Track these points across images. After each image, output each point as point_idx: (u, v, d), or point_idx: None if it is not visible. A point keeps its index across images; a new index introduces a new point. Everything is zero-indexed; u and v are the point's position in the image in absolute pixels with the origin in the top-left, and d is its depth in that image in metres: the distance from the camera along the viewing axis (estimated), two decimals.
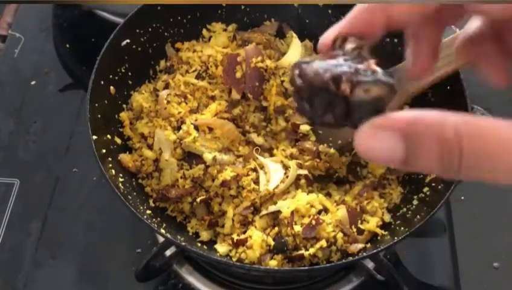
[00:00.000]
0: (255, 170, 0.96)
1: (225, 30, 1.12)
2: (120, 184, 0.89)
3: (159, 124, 0.99)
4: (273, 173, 0.95)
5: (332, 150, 0.99)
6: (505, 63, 0.58)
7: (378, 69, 0.46)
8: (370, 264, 0.95)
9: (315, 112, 0.48)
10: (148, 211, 0.91)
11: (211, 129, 0.99)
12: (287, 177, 0.95)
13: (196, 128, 0.98)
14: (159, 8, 1.04)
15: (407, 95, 0.94)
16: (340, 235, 0.89)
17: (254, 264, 0.86)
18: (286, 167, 0.97)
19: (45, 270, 1.04)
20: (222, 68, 1.04)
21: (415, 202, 0.93)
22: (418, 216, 0.88)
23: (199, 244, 0.91)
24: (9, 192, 1.13)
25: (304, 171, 0.97)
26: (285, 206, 0.91)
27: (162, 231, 0.84)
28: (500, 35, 0.57)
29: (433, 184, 0.93)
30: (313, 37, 1.12)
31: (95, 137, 0.89)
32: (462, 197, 1.13)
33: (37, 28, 1.39)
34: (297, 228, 0.88)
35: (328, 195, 0.98)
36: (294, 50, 1.08)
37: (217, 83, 1.06)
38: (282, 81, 1.03)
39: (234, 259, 0.88)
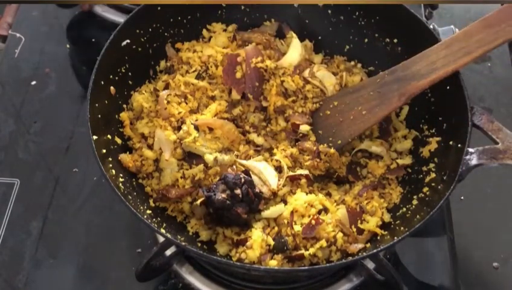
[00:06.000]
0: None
1: (225, 30, 1.12)
2: (120, 184, 0.89)
3: (159, 124, 0.99)
4: (265, 171, 0.95)
5: (332, 150, 0.99)
6: None
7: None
8: (370, 264, 0.95)
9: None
10: (148, 211, 0.91)
11: (211, 129, 0.99)
12: (280, 173, 0.95)
13: (196, 128, 0.98)
14: (159, 8, 1.04)
15: (406, 95, 0.95)
16: (340, 235, 0.89)
17: (254, 264, 0.86)
18: (274, 166, 0.97)
19: (45, 270, 1.04)
20: (222, 68, 1.04)
21: (414, 202, 0.93)
22: (417, 216, 0.88)
23: (199, 244, 0.91)
24: (10, 192, 1.13)
25: (304, 171, 0.97)
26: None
27: (162, 231, 0.84)
28: None
29: (432, 184, 0.93)
30: (313, 37, 1.12)
31: (95, 137, 0.89)
32: (462, 197, 1.13)
33: (37, 28, 1.39)
34: (297, 228, 0.88)
35: (328, 195, 0.98)
36: (294, 50, 1.08)
37: (217, 83, 1.06)
38: (282, 81, 1.03)
39: (234, 259, 0.88)
